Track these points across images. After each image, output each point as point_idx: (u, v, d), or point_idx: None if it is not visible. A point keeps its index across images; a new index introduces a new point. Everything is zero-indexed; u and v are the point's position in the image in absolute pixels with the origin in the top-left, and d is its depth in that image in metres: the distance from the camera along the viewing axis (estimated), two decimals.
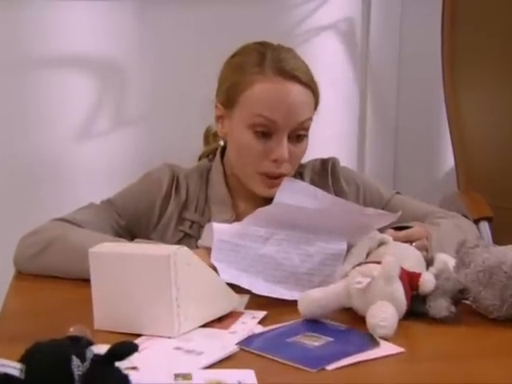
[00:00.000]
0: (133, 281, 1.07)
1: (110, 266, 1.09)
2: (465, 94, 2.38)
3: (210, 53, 2.28)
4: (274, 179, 1.45)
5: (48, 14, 2.28)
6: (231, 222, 1.44)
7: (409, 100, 2.72)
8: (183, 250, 1.07)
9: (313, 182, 1.52)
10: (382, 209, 1.51)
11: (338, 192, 1.53)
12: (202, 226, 1.48)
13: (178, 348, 1.01)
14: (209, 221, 1.48)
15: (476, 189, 2.25)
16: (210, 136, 1.66)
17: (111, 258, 1.09)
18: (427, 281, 1.13)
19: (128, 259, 1.08)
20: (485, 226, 2.04)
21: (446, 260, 1.21)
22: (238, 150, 1.48)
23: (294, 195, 1.22)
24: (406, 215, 1.42)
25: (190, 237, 1.49)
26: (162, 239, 1.49)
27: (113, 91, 2.38)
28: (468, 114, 2.37)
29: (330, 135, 2.57)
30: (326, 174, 1.56)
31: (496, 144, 2.37)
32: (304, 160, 1.56)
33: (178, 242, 1.48)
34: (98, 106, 2.35)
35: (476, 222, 2.00)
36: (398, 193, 1.60)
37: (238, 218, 1.47)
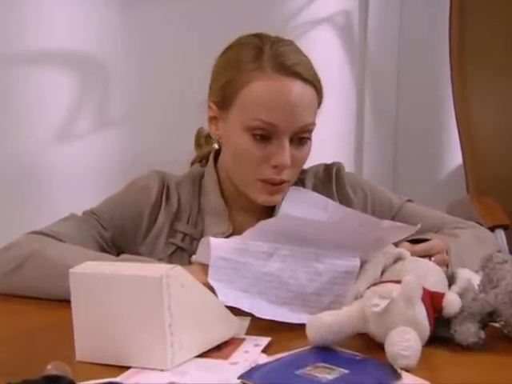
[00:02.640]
0: (119, 305, 0.96)
1: (94, 288, 0.97)
2: (474, 90, 2.30)
3: (199, 48, 2.19)
4: (275, 185, 1.34)
5: (26, 8, 2.16)
6: (228, 236, 1.35)
7: (409, 96, 2.66)
8: (176, 269, 0.96)
9: (315, 189, 1.43)
10: (392, 218, 1.43)
11: (344, 200, 1.43)
12: (194, 239, 1.39)
13: (171, 383, 0.90)
14: (202, 233, 1.38)
15: (487, 192, 2.15)
16: (201, 139, 1.56)
17: (94, 279, 0.98)
18: (452, 301, 1.02)
19: (114, 281, 0.96)
20: (500, 234, 1.94)
21: (468, 277, 1.11)
22: (234, 155, 1.37)
23: (300, 206, 1.10)
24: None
25: (182, 250, 1.39)
26: (152, 253, 1.39)
27: (95, 89, 2.27)
28: (477, 111, 2.29)
29: (326, 134, 2.45)
30: (329, 181, 1.46)
31: (508, 143, 2.28)
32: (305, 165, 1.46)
33: (170, 256, 1.38)
34: (79, 105, 2.24)
35: (490, 230, 1.90)
36: (410, 200, 1.50)
37: (235, 230, 1.38)
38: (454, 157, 2.53)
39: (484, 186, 2.21)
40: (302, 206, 1.10)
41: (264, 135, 1.32)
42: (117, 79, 2.28)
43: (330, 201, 1.12)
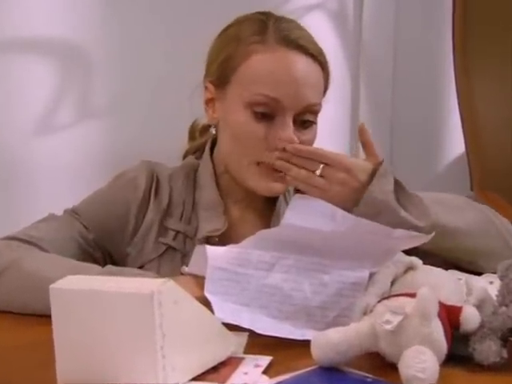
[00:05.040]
0: (105, 325, 0.88)
1: (77, 305, 0.89)
2: (478, 82, 2.21)
3: (186, 35, 2.12)
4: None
5: None
6: (223, 232, 1.29)
7: (406, 86, 2.59)
8: (169, 284, 0.88)
9: None
10: None
11: None
12: (188, 237, 1.31)
13: None
14: (196, 230, 1.30)
15: (492, 187, 2.07)
16: (196, 132, 1.47)
17: (77, 295, 0.89)
18: (470, 315, 0.94)
19: (99, 298, 0.88)
20: None
21: (484, 286, 1.04)
22: (233, 137, 1.29)
23: (305, 215, 1.02)
24: None
25: (173, 250, 1.31)
26: (140, 253, 1.31)
27: (77, 79, 2.18)
28: (482, 104, 2.20)
29: (320, 122, 2.41)
30: None
31: None
32: None
33: (160, 257, 1.30)
34: (60, 95, 2.15)
35: None
36: None
37: (231, 227, 1.30)
38: (454, 147, 2.47)
39: (489, 181, 2.13)
40: (306, 216, 1.01)
41: (266, 113, 1.25)
42: (100, 68, 2.20)
43: (339, 210, 1.03)
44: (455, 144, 2.47)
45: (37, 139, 2.16)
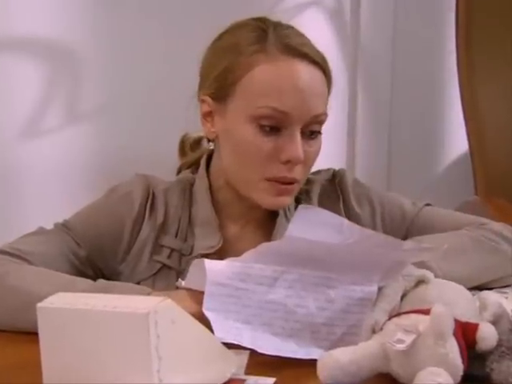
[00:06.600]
0: (97, 346, 0.83)
1: (66, 325, 0.84)
2: (482, 81, 2.17)
3: (181, 35, 2.07)
4: (284, 185, 1.22)
5: None
6: (220, 249, 1.24)
7: (405, 85, 2.54)
8: (166, 303, 0.83)
9: (321, 206, 1.31)
10: (407, 229, 1.32)
11: (350, 215, 1.32)
12: (183, 255, 1.26)
13: None
14: (192, 248, 1.25)
15: (498, 193, 2.02)
16: (186, 146, 1.42)
17: (67, 315, 0.85)
18: (487, 333, 0.90)
19: (90, 317, 0.83)
20: None
21: (499, 301, 0.99)
22: (236, 152, 1.24)
23: (310, 227, 0.97)
24: (439, 231, 1.27)
25: (168, 268, 1.26)
26: (134, 272, 1.26)
27: (66, 80, 2.13)
28: (487, 104, 2.16)
29: None
30: (335, 193, 1.35)
31: None
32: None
33: (154, 276, 1.25)
34: (48, 98, 2.09)
35: None
36: (428, 204, 1.38)
37: (229, 244, 1.26)
38: (455, 148, 2.43)
39: (495, 186, 2.08)
40: (311, 228, 0.96)
41: (273, 126, 1.20)
42: (90, 70, 2.14)
43: (346, 221, 0.98)
44: (456, 145, 2.43)
45: (24, 142, 2.11)
